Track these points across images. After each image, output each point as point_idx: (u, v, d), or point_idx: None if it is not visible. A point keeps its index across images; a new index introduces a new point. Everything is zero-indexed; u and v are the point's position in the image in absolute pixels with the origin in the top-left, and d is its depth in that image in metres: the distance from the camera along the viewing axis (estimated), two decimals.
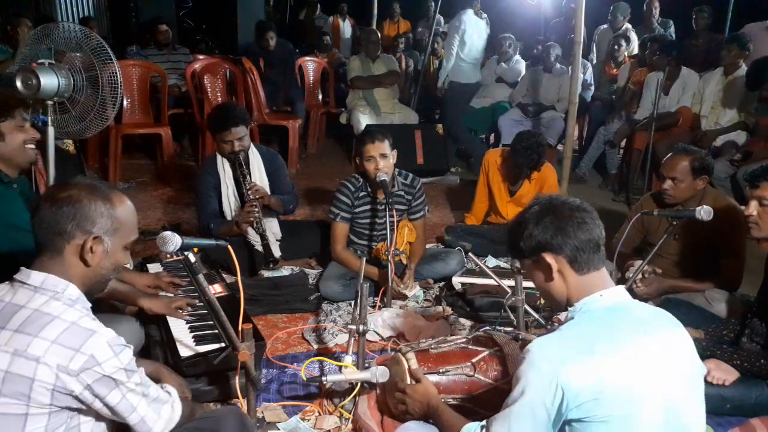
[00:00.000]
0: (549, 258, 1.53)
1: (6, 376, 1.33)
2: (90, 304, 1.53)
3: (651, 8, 6.58)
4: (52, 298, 1.43)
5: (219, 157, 3.50)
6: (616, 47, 6.34)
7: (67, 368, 1.34)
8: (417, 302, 3.30)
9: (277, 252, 3.53)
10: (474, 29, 6.26)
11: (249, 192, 3.35)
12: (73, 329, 1.37)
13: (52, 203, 1.48)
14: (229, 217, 3.49)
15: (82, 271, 1.50)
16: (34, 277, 1.44)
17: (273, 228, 3.61)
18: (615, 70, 6.32)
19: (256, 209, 3.31)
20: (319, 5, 9.53)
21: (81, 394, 1.37)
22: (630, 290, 2.77)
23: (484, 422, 1.56)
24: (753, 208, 2.33)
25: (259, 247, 3.52)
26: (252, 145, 3.55)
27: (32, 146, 2.34)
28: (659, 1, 6.56)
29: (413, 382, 2.00)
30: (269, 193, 3.50)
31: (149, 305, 2.44)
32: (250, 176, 3.43)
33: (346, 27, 9.24)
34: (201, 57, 6.44)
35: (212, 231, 3.41)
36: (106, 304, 2.40)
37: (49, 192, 1.60)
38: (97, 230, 1.49)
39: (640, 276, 2.89)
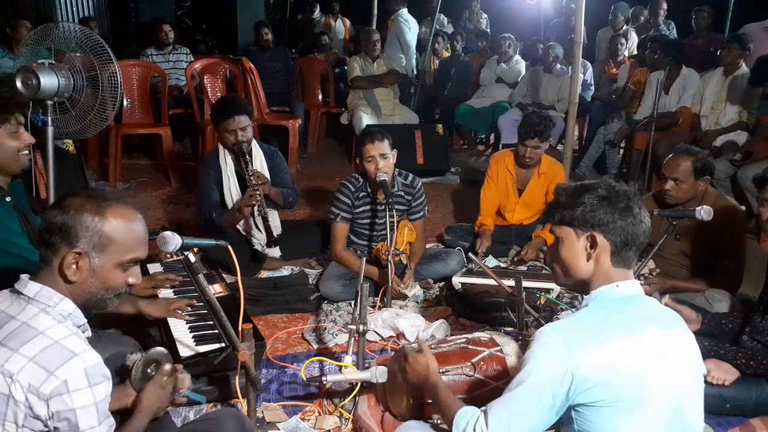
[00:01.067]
0: (599, 238, 1.53)
1: None
2: (85, 320, 1.46)
3: (658, 8, 6.57)
4: (43, 311, 1.37)
5: (221, 151, 3.53)
6: (617, 47, 6.34)
7: (38, 390, 1.26)
8: (417, 302, 3.30)
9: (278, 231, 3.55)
10: (408, 26, 6.87)
11: (251, 177, 3.35)
12: (53, 348, 1.30)
13: (48, 212, 1.43)
14: (232, 203, 3.51)
15: (67, 287, 1.41)
16: (30, 287, 1.39)
17: (275, 221, 3.62)
18: (615, 69, 6.32)
19: (258, 193, 3.31)
20: (318, 5, 9.51)
21: (48, 421, 1.29)
22: None
23: (483, 408, 1.55)
24: None
25: (258, 247, 3.54)
26: (254, 141, 3.58)
27: (26, 152, 2.21)
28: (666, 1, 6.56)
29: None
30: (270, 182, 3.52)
31: (148, 310, 2.40)
32: (252, 165, 3.45)
33: (339, 27, 9.22)
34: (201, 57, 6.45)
35: (214, 220, 3.42)
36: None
37: (55, 200, 1.54)
38: (82, 245, 1.39)
39: (646, 271, 2.88)
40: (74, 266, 1.40)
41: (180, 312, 2.46)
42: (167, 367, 1.70)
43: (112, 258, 1.43)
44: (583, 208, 1.54)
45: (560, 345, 1.41)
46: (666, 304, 2.33)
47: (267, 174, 3.56)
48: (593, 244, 1.54)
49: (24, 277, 1.42)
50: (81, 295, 1.43)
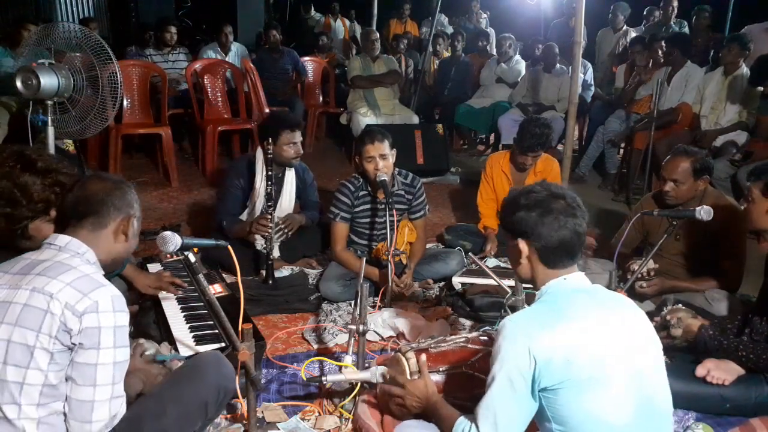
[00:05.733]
0: (522, 245, 1.67)
1: (24, 309, 1.52)
2: (103, 271, 1.68)
3: (668, 6, 6.55)
4: (74, 255, 1.63)
5: (259, 161, 3.43)
6: (625, 48, 6.32)
7: (74, 307, 1.51)
8: (417, 302, 3.30)
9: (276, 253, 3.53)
10: None
11: (270, 211, 3.27)
12: (86, 278, 1.57)
13: (82, 187, 1.70)
14: (258, 214, 3.48)
15: (112, 246, 1.71)
16: (61, 239, 1.65)
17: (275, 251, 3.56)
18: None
19: (269, 226, 3.25)
20: (312, 5, 9.49)
21: (75, 336, 1.51)
22: (631, 288, 2.78)
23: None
24: None
25: (259, 246, 3.54)
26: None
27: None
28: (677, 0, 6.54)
29: (416, 378, 1.99)
30: (291, 212, 3.59)
31: (139, 279, 2.65)
32: (278, 201, 3.49)
33: (338, 27, 9.21)
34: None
35: (224, 228, 3.48)
36: None
37: (95, 176, 1.78)
38: (134, 212, 1.74)
39: (645, 270, 2.88)
40: (128, 230, 1.72)
41: (175, 288, 2.67)
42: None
43: (139, 225, 1.79)
44: (512, 219, 1.68)
45: (518, 333, 1.53)
46: (680, 318, 2.39)
47: (293, 200, 3.63)
48: (519, 250, 1.68)
49: (52, 234, 1.68)
50: (108, 255, 1.72)
